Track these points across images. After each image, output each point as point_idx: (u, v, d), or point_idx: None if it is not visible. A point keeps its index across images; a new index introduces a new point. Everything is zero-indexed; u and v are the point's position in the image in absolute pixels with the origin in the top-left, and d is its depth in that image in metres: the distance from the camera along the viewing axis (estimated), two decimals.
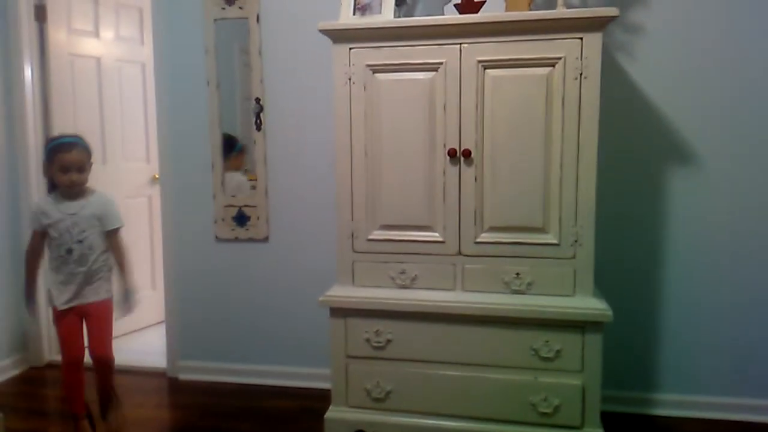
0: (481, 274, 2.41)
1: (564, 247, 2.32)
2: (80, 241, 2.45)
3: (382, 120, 2.41)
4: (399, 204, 2.45)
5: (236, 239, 3.17)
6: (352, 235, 2.49)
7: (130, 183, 3.89)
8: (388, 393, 2.46)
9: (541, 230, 2.34)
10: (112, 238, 2.54)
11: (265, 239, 3.14)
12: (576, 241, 2.30)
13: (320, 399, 2.71)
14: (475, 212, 2.38)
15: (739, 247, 2.67)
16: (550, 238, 2.33)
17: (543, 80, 2.27)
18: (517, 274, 2.37)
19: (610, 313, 2.24)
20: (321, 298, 2.49)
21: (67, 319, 2.48)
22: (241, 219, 3.15)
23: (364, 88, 2.40)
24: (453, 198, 2.39)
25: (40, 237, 2.48)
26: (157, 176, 3.62)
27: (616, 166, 2.67)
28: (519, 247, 2.36)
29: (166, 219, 3.27)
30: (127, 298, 2.55)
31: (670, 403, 2.77)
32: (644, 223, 2.74)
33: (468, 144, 2.34)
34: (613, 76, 2.62)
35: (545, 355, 2.31)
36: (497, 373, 2.36)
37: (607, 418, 2.41)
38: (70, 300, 2.46)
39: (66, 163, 2.39)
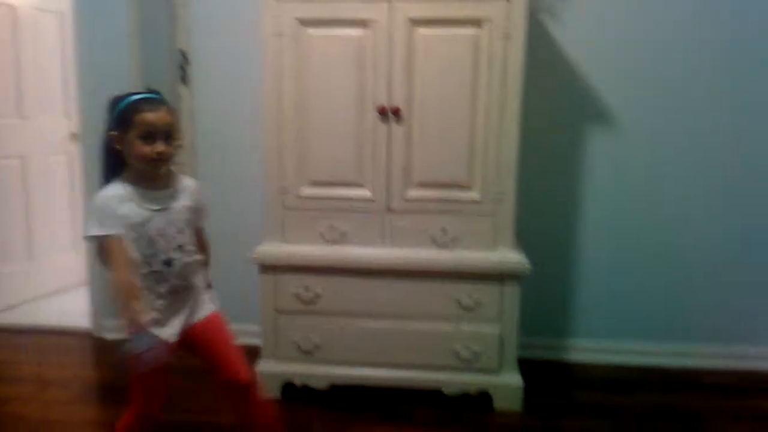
0: (409, 230, 2.48)
1: (487, 204, 2.41)
2: (180, 247, 1.78)
3: (312, 75, 2.40)
4: (329, 161, 2.47)
5: None
6: (282, 192, 2.50)
7: (48, 139, 3.71)
8: (317, 345, 2.52)
9: (466, 187, 2.42)
10: (201, 234, 1.95)
11: None
12: (498, 197, 2.40)
13: (248, 354, 2.72)
14: (403, 169, 2.43)
15: (650, 204, 2.86)
16: (474, 195, 2.42)
17: (470, 40, 2.32)
18: (443, 229, 2.46)
19: (527, 265, 2.37)
20: (252, 255, 2.50)
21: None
22: None
23: (294, 42, 2.39)
24: (382, 155, 2.43)
25: (120, 242, 1.67)
26: (75, 132, 3.47)
27: (539, 126, 2.77)
28: (445, 204, 2.44)
29: (88, 176, 3.16)
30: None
31: (582, 349, 2.98)
32: (564, 180, 2.88)
33: (397, 102, 2.38)
34: (538, 39, 2.69)
35: (467, 306, 2.43)
36: (422, 323, 2.46)
37: (524, 363, 2.56)
38: (177, 332, 1.80)
39: (151, 127, 1.66)
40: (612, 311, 2.96)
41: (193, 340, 1.85)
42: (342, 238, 2.51)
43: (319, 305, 2.49)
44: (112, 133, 1.71)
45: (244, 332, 3.03)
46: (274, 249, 2.50)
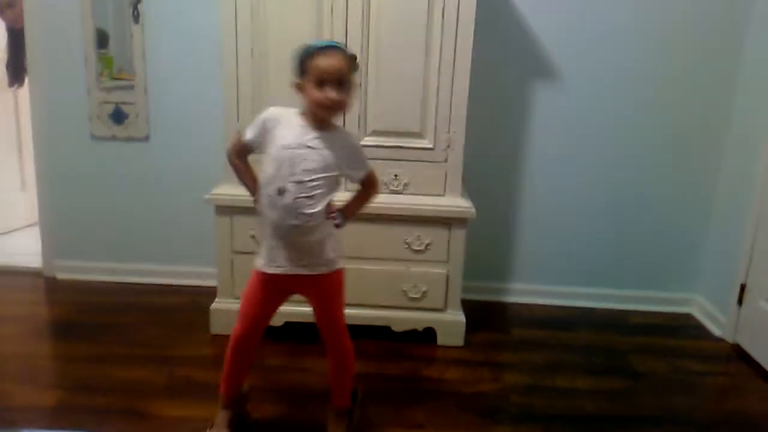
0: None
1: (437, 152, 2.53)
2: (300, 183, 1.74)
3: (269, 20, 2.42)
4: (286, 104, 2.48)
5: (114, 137, 3.08)
6: (238, 134, 2.52)
7: None
8: None
9: (418, 135, 2.52)
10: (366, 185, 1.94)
11: (146, 138, 3.08)
12: (448, 146, 2.51)
13: (206, 295, 2.81)
14: (359, 117, 2.50)
15: (588, 158, 3.04)
16: (425, 143, 2.53)
17: None
18: (396, 175, 2.56)
19: (473, 211, 2.52)
20: (207, 196, 2.54)
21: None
22: (119, 116, 3.05)
23: None
24: None
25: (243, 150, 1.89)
26: None
27: (488, 78, 2.87)
28: (398, 151, 2.54)
29: (37, 115, 3.10)
30: None
31: (521, 292, 3.19)
32: (509, 130, 3.01)
33: (354, 49, 2.42)
34: None
35: (416, 248, 2.56)
36: (375, 264, 2.59)
37: (466, 304, 2.74)
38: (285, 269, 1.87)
39: (323, 74, 1.68)
40: (549, 257, 3.16)
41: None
42: None
43: None
44: (295, 80, 1.77)
45: (199, 274, 3.13)
46: (231, 190, 2.54)
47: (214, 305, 2.66)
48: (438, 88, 2.45)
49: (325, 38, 2.41)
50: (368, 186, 1.92)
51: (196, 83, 2.98)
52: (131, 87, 3.02)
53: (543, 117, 2.99)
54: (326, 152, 1.76)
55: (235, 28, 2.42)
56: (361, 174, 1.88)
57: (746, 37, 2.85)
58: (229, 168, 2.51)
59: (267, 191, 1.77)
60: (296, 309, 2.61)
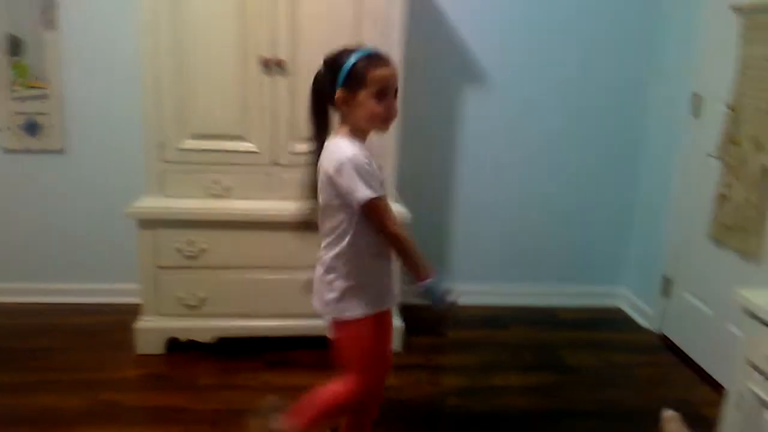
0: (295, 183, 2.50)
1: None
2: None
3: (191, 21, 2.34)
4: (211, 113, 2.43)
5: (27, 150, 2.90)
6: (162, 145, 2.43)
7: None
8: (203, 300, 2.52)
9: None
10: None
11: (61, 151, 2.91)
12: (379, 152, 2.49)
13: (130, 313, 2.66)
14: (290, 123, 2.45)
15: (518, 156, 3.11)
16: None
17: None
18: None
19: (408, 215, 2.51)
20: (128, 210, 2.42)
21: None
22: (32, 128, 2.87)
23: None
24: (267, 108, 2.43)
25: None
26: None
27: (416, 81, 2.88)
28: None
29: None
30: None
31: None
32: (442, 133, 3.05)
33: (282, 54, 2.38)
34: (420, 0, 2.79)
35: None
36: (305, 273, 2.52)
37: (404, 307, 2.72)
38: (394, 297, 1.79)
39: (386, 84, 1.54)
40: (481, 257, 3.21)
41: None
42: (227, 192, 2.50)
43: (204, 260, 2.48)
44: (342, 92, 1.56)
45: (122, 291, 2.97)
46: (153, 203, 2.45)
47: (138, 324, 2.53)
48: None
49: (251, 42, 2.36)
50: None
51: (114, 93, 2.84)
52: (46, 97, 2.85)
53: (474, 121, 3.04)
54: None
55: (155, 32, 2.33)
56: None
57: (662, 47, 3.00)
58: (155, 180, 2.45)
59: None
60: (229, 324, 2.55)
